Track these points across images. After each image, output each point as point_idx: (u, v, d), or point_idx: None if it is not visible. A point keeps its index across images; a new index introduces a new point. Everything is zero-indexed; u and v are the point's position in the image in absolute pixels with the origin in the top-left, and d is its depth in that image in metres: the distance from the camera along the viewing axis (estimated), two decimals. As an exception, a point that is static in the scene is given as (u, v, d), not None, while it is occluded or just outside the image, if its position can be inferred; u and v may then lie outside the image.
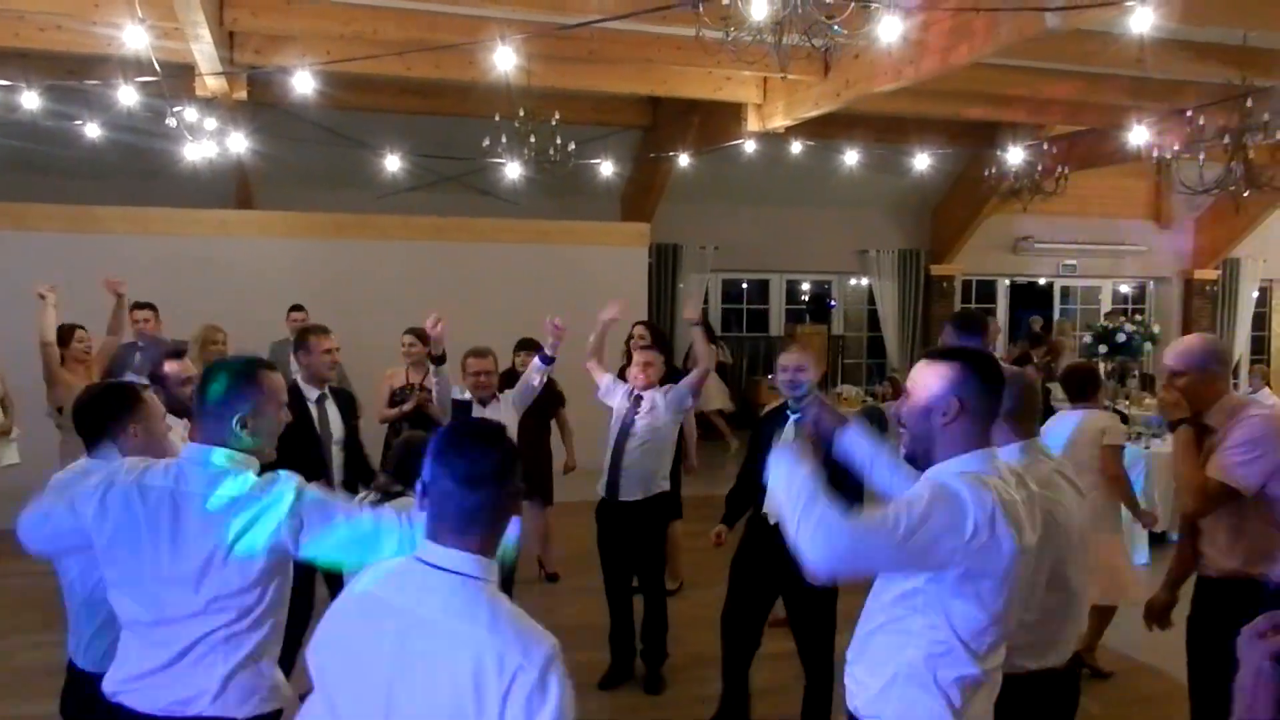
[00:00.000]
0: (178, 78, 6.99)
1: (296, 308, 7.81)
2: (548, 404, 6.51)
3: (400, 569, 1.86)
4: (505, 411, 5.29)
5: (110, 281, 6.28)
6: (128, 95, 6.39)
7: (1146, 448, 7.97)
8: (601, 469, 5.15)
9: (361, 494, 3.85)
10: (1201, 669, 3.46)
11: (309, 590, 4.50)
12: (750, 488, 4.47)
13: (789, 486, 2.16)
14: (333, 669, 1.86)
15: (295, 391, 4.58)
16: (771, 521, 4.29)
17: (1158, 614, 3.76)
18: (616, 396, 5.29)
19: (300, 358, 4.71)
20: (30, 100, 6.81)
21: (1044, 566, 2.35)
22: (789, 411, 4.37)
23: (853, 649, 2.37)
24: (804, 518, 2.09)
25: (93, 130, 7.74)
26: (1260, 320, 15.22)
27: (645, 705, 4.90)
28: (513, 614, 1.77)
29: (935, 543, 2.08)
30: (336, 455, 4.65)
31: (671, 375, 6.41)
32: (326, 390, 4.70)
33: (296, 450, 4.71)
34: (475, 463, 1.79)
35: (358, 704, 1.79)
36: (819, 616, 4.29)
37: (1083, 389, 5.42)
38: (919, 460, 2.28)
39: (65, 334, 6.00)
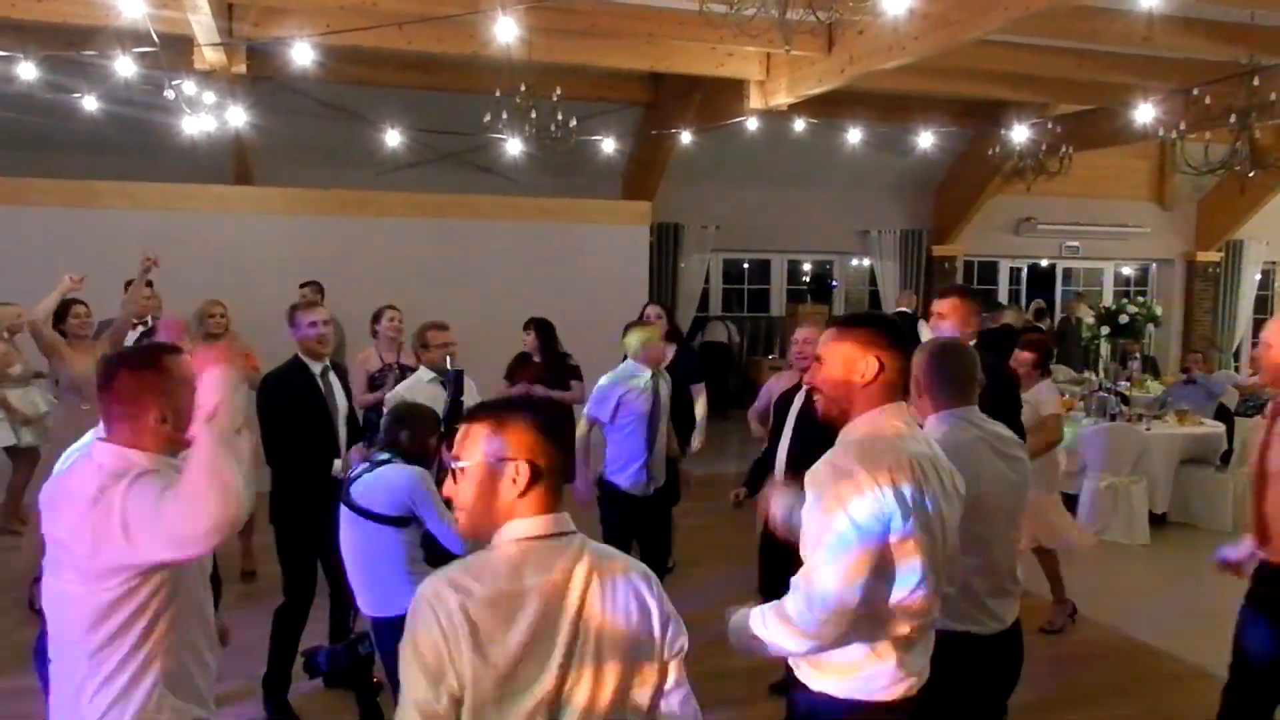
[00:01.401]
0: (176, 50, 6.93)
1: (307, 283, 7.77)
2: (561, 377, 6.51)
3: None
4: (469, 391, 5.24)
5: (149, 259, 6.15)
6: (125, 67, 6.34)
7: (1148, 429, 7.96)
8: (626, 463, 5.03)
9: (352, 465, 3.84)
10: (1247, 655, 3.41)
11: (309, 566, 4.50)
12: (773, 462, 4.53)
13: (765, 642, 2.34)
14: (494, 676, 1.72)
15: (300, 365, 4.56)
16: None
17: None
18: (621, 391, 5.18)
19: (291, 334, 4.68)
20: (27, 72, 6.76)
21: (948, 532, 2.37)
22: (804, 384, 4.41)
23: None
24: (786, 641, 2.28)
25: (90, 104, 7.68)
26: (1263, 303, 15.18)
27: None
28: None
29: (874, 554, 2.19)
30: (342, 427, 4.63)
31: (683, 356, 6.42)
32: (328, 363, 4.68)
33: (311, 425, 4.75)
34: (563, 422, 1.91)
35: (530, 699, 1.72)
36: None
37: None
38: (835, 420, 2.38)
39: (61, 309, 5.96)
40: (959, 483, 2.41)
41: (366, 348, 6.61)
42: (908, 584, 2.22)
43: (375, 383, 6.23)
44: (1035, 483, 4.82)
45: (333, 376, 4.66)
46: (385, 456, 3.75)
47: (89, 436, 2.85)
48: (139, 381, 2.21)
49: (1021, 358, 5.70)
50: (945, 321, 4.04)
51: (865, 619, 2.21)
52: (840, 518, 2.17)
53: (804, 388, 4.44)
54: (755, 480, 4.80)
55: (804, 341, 4.46)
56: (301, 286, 7.75)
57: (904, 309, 10.62)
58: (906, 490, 2.18)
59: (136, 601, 2.12)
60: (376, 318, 6.51)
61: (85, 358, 5.66)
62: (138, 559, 2.07)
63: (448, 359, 5.07)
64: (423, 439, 3.81)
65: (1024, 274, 14.42)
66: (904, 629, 2.25)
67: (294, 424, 4.44)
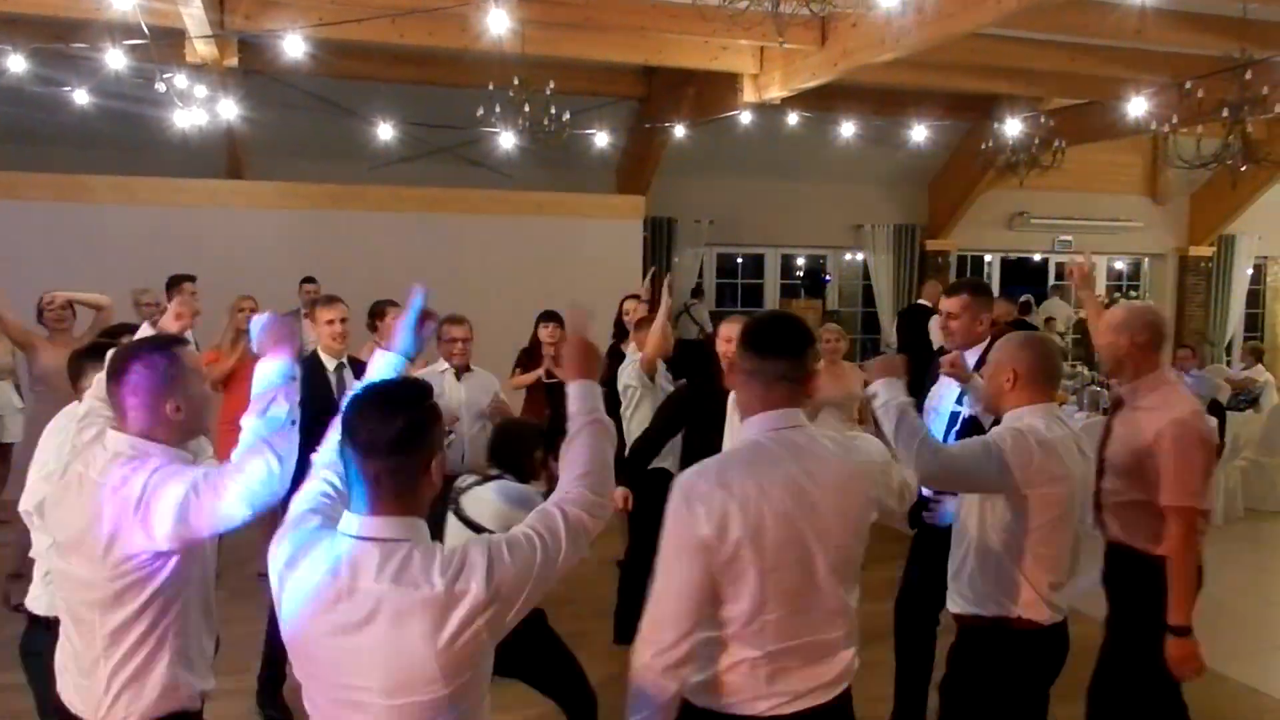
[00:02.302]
0: (167, 43, 6.89)
1: (308, 279, 7.75)
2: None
3: (329, 547, 1.82)
4: (481, 385, 5.23)
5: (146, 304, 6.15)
6: (116, 59, 6.30)
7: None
8: (673, 448, 4.99)
9: (463, 480, 3.81)
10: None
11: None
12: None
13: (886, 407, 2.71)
14: (313, 662, 1.85)
15: (315, 360, 4.57)
16: None
17: None
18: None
19: (310, 327, 4.72)
20: (17, 65, 6.72)
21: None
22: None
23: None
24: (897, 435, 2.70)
25: (81, 97, 7.64)
26: (1255, 297, 15.23)
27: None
28: (436, 558, 1.77)
29: (699, 579, 2.14)
30: None
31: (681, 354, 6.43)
32: (344, 360, 4.68)
33: (321, 422, 4.69)
34: (373, 431, 1.77)
35: (339, 688, 1.81)
36: None
37: None
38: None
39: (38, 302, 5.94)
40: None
41: (366, 343, 6.59)
42: None
43: None
44: None
45: (348, 373, 4.67)
46: (496, 472, 3.73)
47: (63, 425, 2.86)
48: (153, 373, 2.22)
49: None
50: (956, 321, 3.91)
51: None
52: None
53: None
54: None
55: (727, 340, 4.32)
56: (304, 282, 7.72)
57: (923, 302, 10.48)
58: None
59: (155, 584, 2.17)
60: (380, 314, 6.50)
61: (60, 351, 5.63)
62: (156, 545, 2.12)
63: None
64: (529, 455, 3.79)
65: (1005, 266, 14.43)
66: None
67: (305, 419, 4.41)
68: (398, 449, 1.77)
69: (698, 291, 12.79)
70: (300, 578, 1.81)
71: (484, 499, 3.63)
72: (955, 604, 2.98)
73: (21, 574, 5.55)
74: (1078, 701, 4.61)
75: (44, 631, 2.74)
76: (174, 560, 2.18)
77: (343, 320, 4.68)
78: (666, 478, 2.39)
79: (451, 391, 5.09)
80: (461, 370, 5.24)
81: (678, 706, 2.09)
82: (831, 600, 2.15)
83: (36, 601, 2.94)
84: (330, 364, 4.62)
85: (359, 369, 4.72)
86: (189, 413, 2.26)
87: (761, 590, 2.07)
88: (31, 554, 2.97)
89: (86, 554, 2.15)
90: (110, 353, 2.36)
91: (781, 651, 2.11)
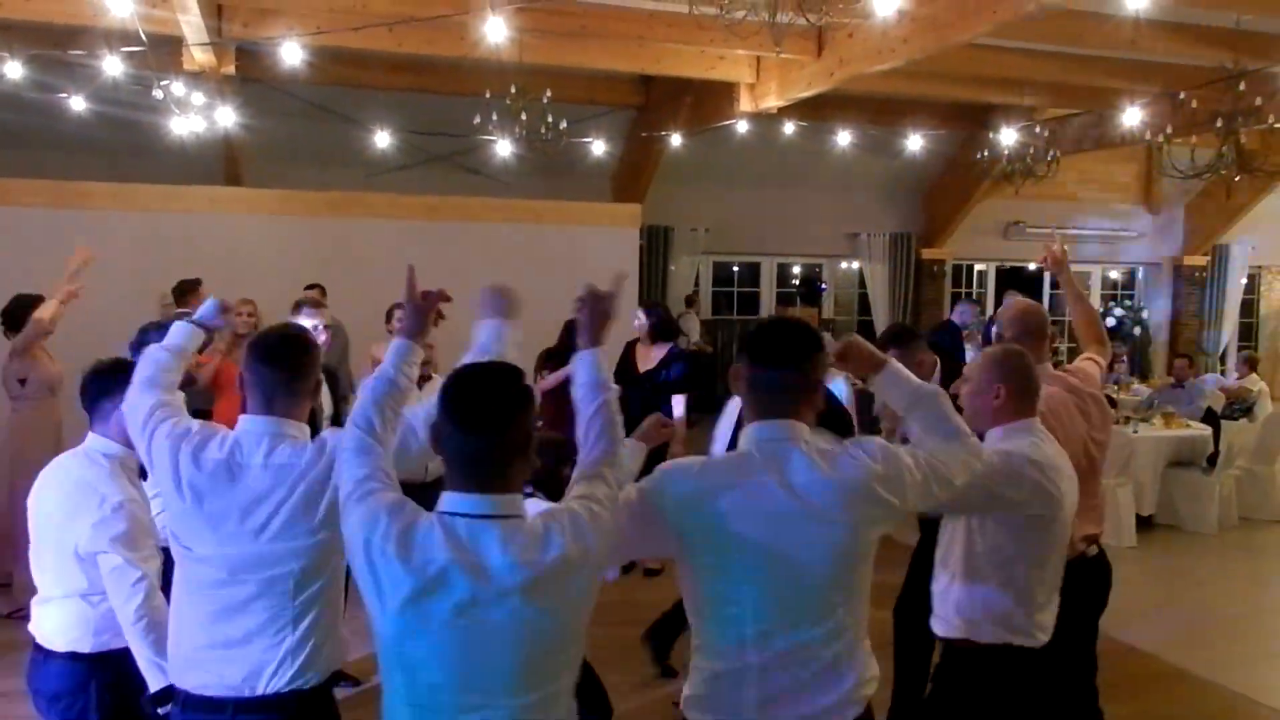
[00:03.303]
0: (165, 50, 6.91)
1: (312, 286, 7.73)
2: None
3: (433, 528, 1.83)
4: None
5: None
6: (114, 66, 6.32)
7: (1135, 432, 8.00)
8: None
9: None
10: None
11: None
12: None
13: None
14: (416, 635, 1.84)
15: None
16: None
17: None
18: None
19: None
20: (14, 71, 6.72)
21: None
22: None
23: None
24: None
25: (78, 104, 7.65)
26: (1249, 306, 15.28)
27: (633, 684, 4.90)
28: (541, 531, 1.83)
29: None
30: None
31: (670, 360, 6.45)
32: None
33: None
34: (477, 406, 1.83)
35: (460, 674, 1.82)
36: None
37: None
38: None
39: (36, 305, 5.91)
40: None
41: (379, 341, 6.62)
42: None
43: None
44: None
45: (321, 384, 4.65)
46: (530, 490, 3.68)
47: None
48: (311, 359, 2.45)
49: None
50: (974, 339, 4.03)
51: None
52: None
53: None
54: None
55: None
56: (308, 290, 7.70)
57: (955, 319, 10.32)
58: None
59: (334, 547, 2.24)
60: (388, 317, 6.56)
61: (50, 358, 5.63)
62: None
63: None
64: (557, 469, 3.67)
65: (1000, 276, 14.47)
66: None
67: None
68: (501, 425, 1.83)
69: (690, 301, 12.81)
70: (411, 561, 1.80)
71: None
72: (942, 627, 2.91)
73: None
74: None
75: (75, 664, 2.70)
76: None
77: (326, 328, 4.72)
78: None
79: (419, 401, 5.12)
80: (423, 380, 5.26)
81: None
82: (824, 619, 2.11)
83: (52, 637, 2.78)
84: None
85: (328, 377, 4.73)
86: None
87: (751, 601, 2.07)
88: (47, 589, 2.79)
89: (290, 529, 2.24)
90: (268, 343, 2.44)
91: (767, 666, 2.08)
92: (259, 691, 2.24)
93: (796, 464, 2.09)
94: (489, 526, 1.80)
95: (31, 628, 2.79)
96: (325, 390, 4.69)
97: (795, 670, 2.09)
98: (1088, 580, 3.28)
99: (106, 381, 2.78)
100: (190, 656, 2.31)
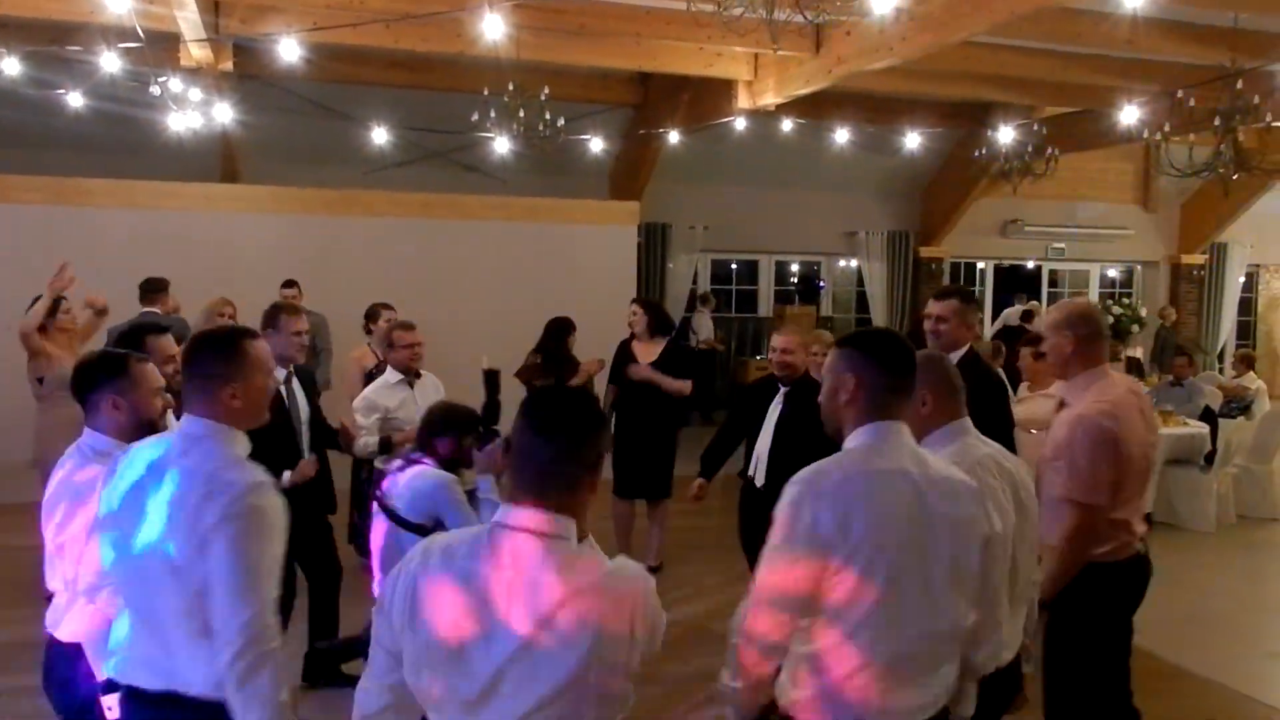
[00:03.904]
0: (162, 47, 6.89)
1: (289, 283, 7.74)
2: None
3: (478, 538, 1.84)
4: (434, 388, 5.24)
5: (91, 299, 6.15)
6: (111, 62, 6.30)
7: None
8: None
9: (383, 461, 3.80)
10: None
11: (289, 568, 4.49)
12: (728, 444, 4.66)
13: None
14: (425, 647, 1.81)
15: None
16: (759, 484, 4.51)
17: None
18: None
19: (269, 336, 4.62)
20: (11, 68, 6.71)
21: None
22: (780, 384, 4.59)
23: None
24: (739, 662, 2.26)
25: (75, 100, 7.64)
26: (1246, 305, 15.29)
27: (640, 681, 4.90)
28: (602, 561, 1.84)
29: (808, 577, 2.13)
30: (305, 433, 4.61)
31: (676, 353, 6.46)
32: (292, 369, 4.64)
33: (270, 430, 4.69)
34: (555, 415, 1.86)
35: (463, 679, 1.79)
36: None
37: None
38: (835, 439, 2.36)
39: (51, 307, 5.90)
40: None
41: (359, 345, 6.57)
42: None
43: (371, 381, 6.21)
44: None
45: (295, 383, 4.61)
46: (416, 455, 3.68)
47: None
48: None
49: (1036, 367, 5.67)
50: (945, 325, 3.98)
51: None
52: None
53: (781, 389, 4.62)
54: (709, 467, 4.89)
55: (781, 351, 4.59)
56: (285, 286, 7.72)
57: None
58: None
59: None
60: (372, 316, 6.49)
61: (70, 355, 5.61)
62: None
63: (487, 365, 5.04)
64: (457, 441, 3.70)
65: (998, 274, 14.48)
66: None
67: (255, 431, 4.40)
68: (576, 438, 1.84)
69: (704, 299, 12.80)
70: (454, 570, 1.82)
71: (399, 484, 3.60)
72: None
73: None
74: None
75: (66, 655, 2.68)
76: None
77: (306, 332, 4.66)
78: None
79: (413, 400, 5.11)
80: (414, 376, 5.25)
81: (768, 689, 2.22)
82: (945, 615, 2.20)
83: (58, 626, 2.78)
84: (280, 374, 4.54)
85: (305, 379, 4.68)
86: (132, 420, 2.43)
87: (874, 596, 2.11)
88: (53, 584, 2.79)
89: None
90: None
91: (896, 658, 2.15)
92: None
93: (928, 458, 2.29)
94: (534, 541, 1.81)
95: (48, 625, 2.78)
96: (299, 391, 4.63)
97: (910, 663, 2.18)
98: (1139, 577, 3.31)
99: (95, 375, 2.77)
100: None
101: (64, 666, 2.69)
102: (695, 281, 12.86)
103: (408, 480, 3.60)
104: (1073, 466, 3.18)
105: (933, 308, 4.09)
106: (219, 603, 2.12)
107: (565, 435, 1.83)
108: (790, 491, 2.18)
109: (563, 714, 1.76)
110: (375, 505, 3.67)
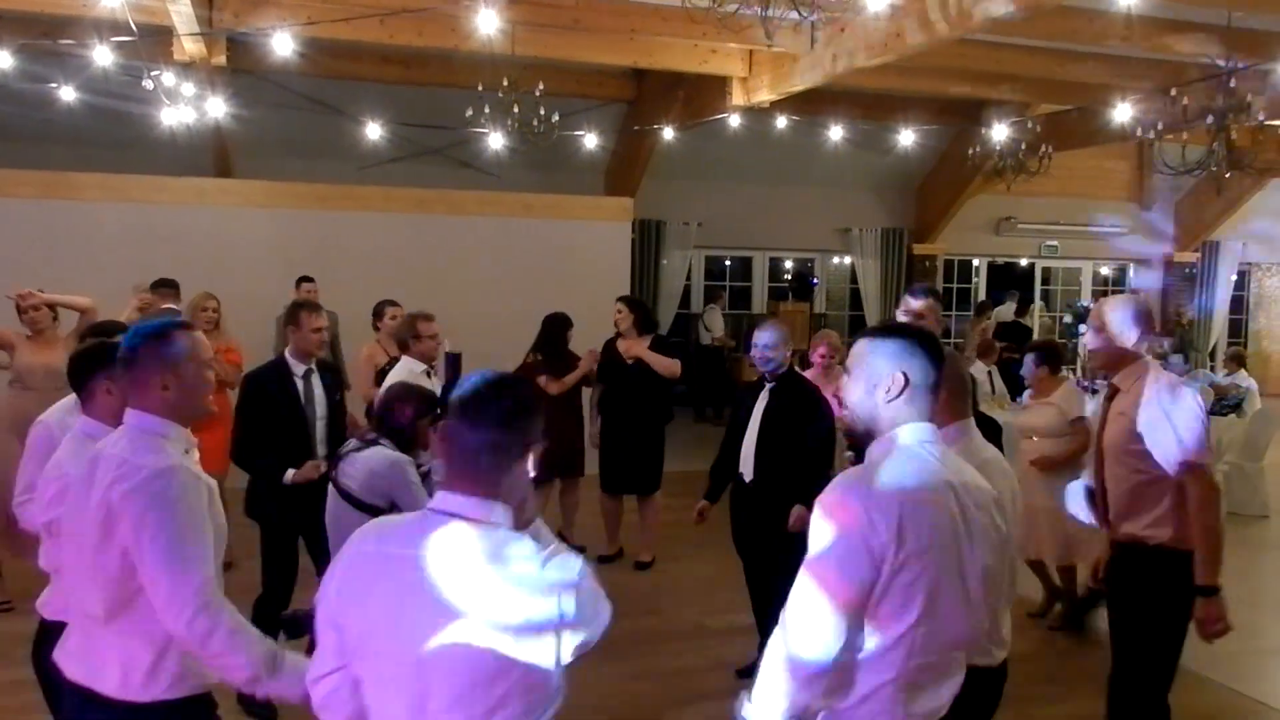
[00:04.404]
0: (155, 41, 6.87)
1: (306, 279, 7.70)
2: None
3: (412, 522, 1.85)
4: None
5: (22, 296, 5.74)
6: (104, 56, 6.27)
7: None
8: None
9: (346, 445, 3.84)
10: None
11: (291, 559, 4.49)
12: (732, 460, 4.65)
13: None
14: (359, 631, 1.82)
15: (283, 366, 4.55)
16: (747, 479, 4.55)
17: None
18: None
19: (290, 332, 4.67)
20: (3, 61, 6.68)
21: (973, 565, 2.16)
22: (765, 381, 4.62)
23: None
24: (772, 692, 2.04)
25: (68, 94, 7.61)
26: (1238, 303, 15.34)
27: (629, 676, 4.91)
28: (534, 549, 1.80)
29: (859, 590, 1.97)
30: (321, 429, 4.60)
31: (662, 349, 6.51)
32: (313, 365, 4.66)
33: (282, 424, 4.73)
34: (484, 401, 1.83)
35: (391, 662, 1.79)
36: (771, 562, 4.38)
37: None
38: (861, 439, 2.22)
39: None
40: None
41: (368, 343, 6.59)
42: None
43: (384, 377, 6.26)
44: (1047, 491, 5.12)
45: (315, 378, 4.62)
46: (373, 436, 3.72)
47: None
48: None
49: (1042, 377, 5.73)
50: (923, 321, 4.04)
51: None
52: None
53: (768, 385, 4.61)
54: (716, 488, 4.88)
55: (764, 347, 4.60)
56: (302, 282, 7.66)
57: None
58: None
59: None
60: (378, 314, 6.52)
61: (41, 349, 5.57)
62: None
63: (449, 349, 5.04)
64: (413, 422, 3.74)
65: (992, 271, 14.52)
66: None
67: (266, 426, 4.43)
68: (501, 423, 1.82)
69: (715, 297, 12.83)
70: (385, 553, 1.83)
71: (356, 464, 3.63)
72: None
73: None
74: (1070, 702, 4.65)
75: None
76: None
77: (325, 329, 4.68)
78: None
79: (435, 391, 5.10)
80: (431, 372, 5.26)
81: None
82: (975, 624, 2.13)
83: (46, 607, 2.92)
84: (299, 369, 4.58)
85: (325, 374, 4.68)
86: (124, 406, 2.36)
87: (922, 604, 2.00)
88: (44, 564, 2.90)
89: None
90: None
91: (919, 669, 2.04)
92: None
93: (960, 462, 2.20)
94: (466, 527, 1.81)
95: (38, 605, 2.93)
96: (318, 387, 4.62)
97: (942, 668, 2.11)
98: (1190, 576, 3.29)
99: (90, 362, 2.90)
100: None
101: (50, 646, 2.75)
102: (689, 278, 12.86)
103: (363, 460, 3.62)
104: (1171, 433, 3.19)
105: (914, 304, 4.13)
106: (156, 589, 2.19)
107: (494, 422, 1.81)
108: (835, 495, 2.03)
109: (489, 703, 1.74)
110: (330, 485, 3.70)
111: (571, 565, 1.79)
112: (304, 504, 4.16)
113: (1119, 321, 3.40)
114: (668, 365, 6.42)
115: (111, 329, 3.88)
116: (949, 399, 2.63)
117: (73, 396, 3.02)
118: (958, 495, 2.07)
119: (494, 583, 1.74)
